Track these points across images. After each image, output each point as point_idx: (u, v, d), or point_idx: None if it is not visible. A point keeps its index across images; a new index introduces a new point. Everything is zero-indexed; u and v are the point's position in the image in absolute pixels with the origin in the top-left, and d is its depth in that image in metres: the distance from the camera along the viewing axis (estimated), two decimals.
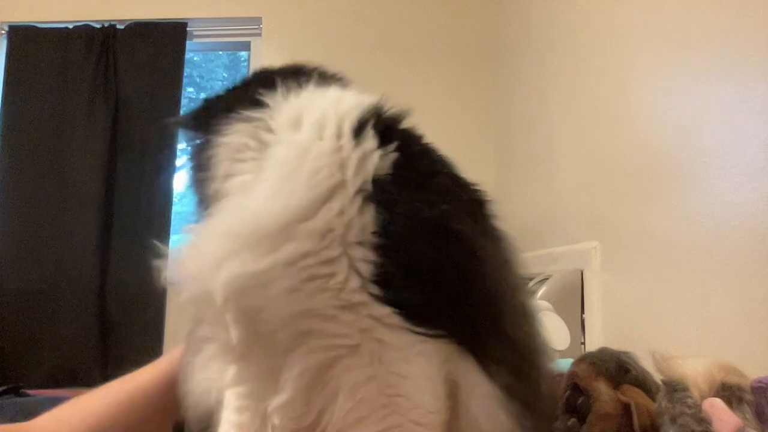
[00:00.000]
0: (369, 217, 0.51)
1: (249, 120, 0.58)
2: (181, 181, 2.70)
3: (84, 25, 2.73)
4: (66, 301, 2.46)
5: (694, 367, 0.78)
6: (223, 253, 0.50)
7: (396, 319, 0.51)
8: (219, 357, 0.57)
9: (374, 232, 0.50)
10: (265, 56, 2.78)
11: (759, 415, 0.72)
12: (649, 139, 1.35)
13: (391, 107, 0.59)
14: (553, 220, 1.92)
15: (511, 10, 2.52)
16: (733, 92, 1.07)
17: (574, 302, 1.57)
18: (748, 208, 1.01)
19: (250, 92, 0.60)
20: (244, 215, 0.51)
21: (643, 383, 0.86)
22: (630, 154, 1.43)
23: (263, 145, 0.56)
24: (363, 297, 0.50)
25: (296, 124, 0.56)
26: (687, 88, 1.22)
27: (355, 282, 0.50)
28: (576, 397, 0.87)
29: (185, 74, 2.78)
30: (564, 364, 0.96)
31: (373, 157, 0.53)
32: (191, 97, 3.24)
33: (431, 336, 0.52)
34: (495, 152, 2.61)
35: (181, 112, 2.78)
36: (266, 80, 0.61)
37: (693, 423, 0.72)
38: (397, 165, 0.53)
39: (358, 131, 0.54)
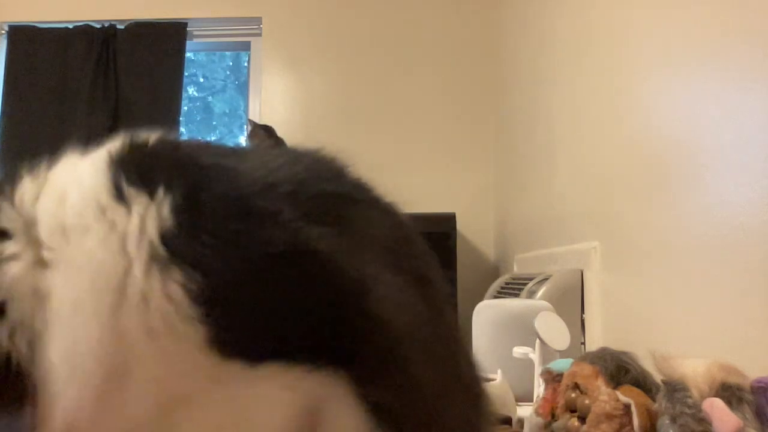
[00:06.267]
0: (182, 286, 0.40)
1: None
2: None
3: (84, 25, 2.74)
4: None
5: (694, 367, 0.78)
6: None
7: (238, 368, 0.41)
8: None
9: (195, 299, 0.40)
10: (265, 56, 2.79)
11: (759, 415, 0.72)
12: (649, 139, 1.35)
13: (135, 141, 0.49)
14: (553, 220, 1.92)
15: (511, 11, 2.52)
16: (733, 92, 1.07)
17: (574, 302, 1.57)
18: (748, 208, 1.01)
19: None
20: None
21: (643, 383, 0.86)
22: (630, 154, 1.43)
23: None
24: (205, 360, 0.41)
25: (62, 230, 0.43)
26: (687, 88, 1.22)
27: (200, 349, 0.40)
28: (576, 397, 0.87)
29: (185, 74, 2.78)
30: (564, 364, 0.96)
31: (149, 217, 0.42)
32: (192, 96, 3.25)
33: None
34: (495, 152, 2.61)
35: (181, 112, 2.78)
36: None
37: (693, 423, 0.72)
38: (177, 209, 0.42)
39: (118, 197, 0.44)
